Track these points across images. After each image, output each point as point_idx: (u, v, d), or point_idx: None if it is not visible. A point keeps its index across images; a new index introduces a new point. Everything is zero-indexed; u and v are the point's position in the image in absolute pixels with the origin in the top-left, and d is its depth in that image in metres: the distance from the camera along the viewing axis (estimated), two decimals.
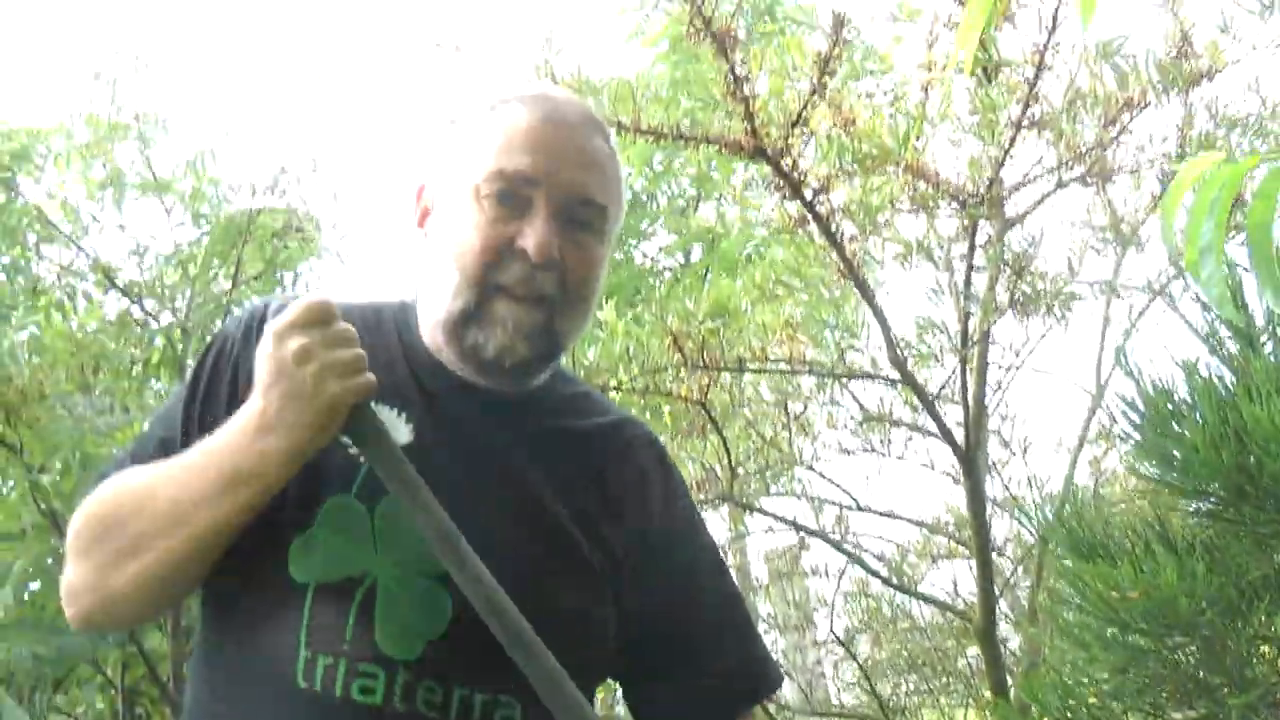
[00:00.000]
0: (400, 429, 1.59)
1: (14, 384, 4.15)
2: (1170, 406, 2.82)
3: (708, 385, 4.14)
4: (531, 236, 1.58)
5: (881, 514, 5.29)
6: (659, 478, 1.82)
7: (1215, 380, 2.83)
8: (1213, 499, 2.78)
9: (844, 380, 4.40)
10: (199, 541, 1.52)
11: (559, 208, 1.62)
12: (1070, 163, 3.73)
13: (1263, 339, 2.86)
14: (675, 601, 1.76)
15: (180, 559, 1.54)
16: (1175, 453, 2.78)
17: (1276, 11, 3.50)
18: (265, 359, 1.48)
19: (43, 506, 4.36)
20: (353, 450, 1.55)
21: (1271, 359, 2.77)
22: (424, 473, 1.47)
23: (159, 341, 4.88)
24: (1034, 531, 4.11)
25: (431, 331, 1.68)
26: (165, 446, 1.63)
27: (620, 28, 7.05)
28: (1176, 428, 2.79)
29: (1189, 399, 2.83)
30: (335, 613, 1.51)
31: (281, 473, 1.49)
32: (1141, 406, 2.90)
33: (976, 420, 4.03)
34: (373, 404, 1.51)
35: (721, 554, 1.92)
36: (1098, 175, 3.86)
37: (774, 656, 1.91)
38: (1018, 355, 4.45)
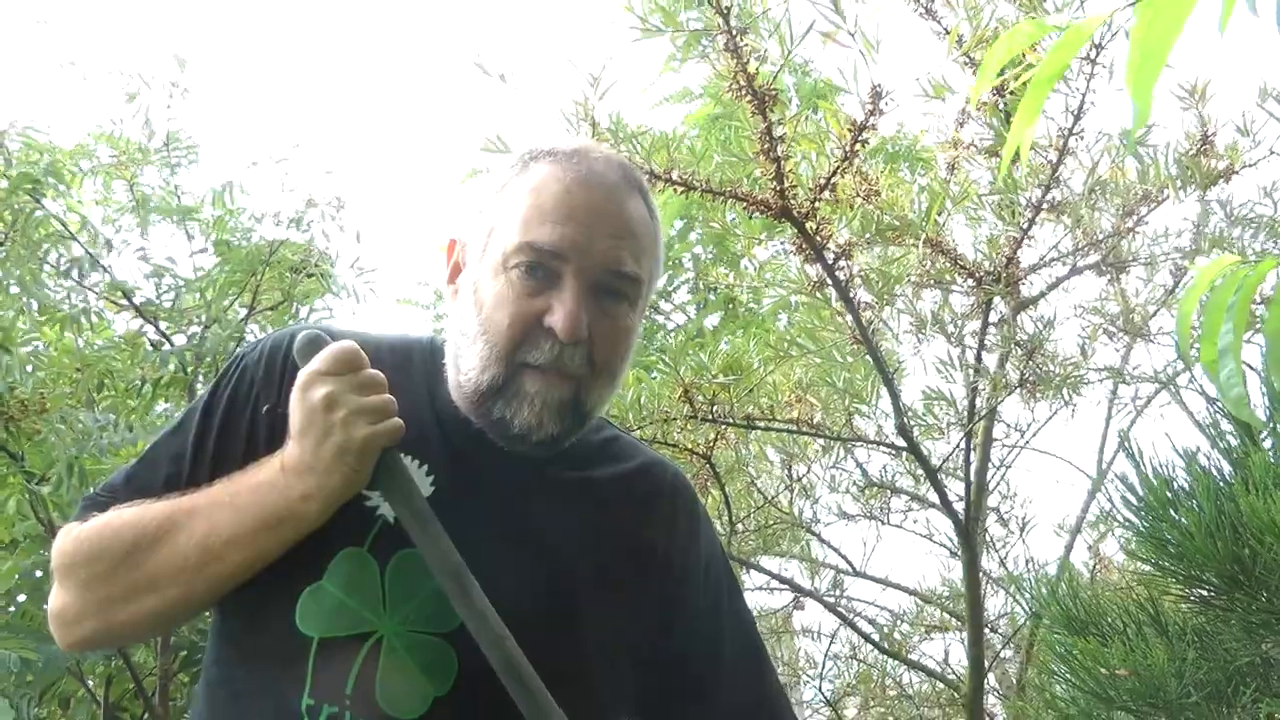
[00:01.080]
0: (421, 481, 1.57)
1: (16, 394, 4.17)
2: (1169, 494, 2.87)
3: (714, 440, 4.20)
4: (559, 313, 1.53)
5: (877, 580, 5.35)
6: (684, 522, 1.80)
7: (1214, 471, 2.89)
8: (1206, 586, 2.83)
9: (849, 445, 4.45)
10: (226, 580, 1.51)
11: (589, 282, 1.56)
12: (1086, 249, 3.79)
13: (1263, 434, 2.92)
14: (695, 642, 1.75)
15: (202, 596, 1.54)
16: (1171, 539, 2.83)
17: None
18: (295, 405, 1.49)
19: (40, 517, 4.37)
20: (370, 504, 1.55)
21: (1270, 455, 2.83)
22: (441, 525, 1.48)
23: (170, 365, 4.88)
24: (1027, 608, 4.14)
25: (457, 388, 1.63)
26: (171, 481, 1.60)
27: (657, 81, 7.12)
28: (1174, 515, 2.84)
29: (1187, 487, 2.89)
30: (338, 669, 1.49)
31: (321, 513, 1.48)
32: (1141, 492, 2.96)
33: (978, 494, 4.08)
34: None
35: (743, 595, 1.90)
36: (1112, 264, 3.92)
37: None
38: (1022, 435, 4.53)
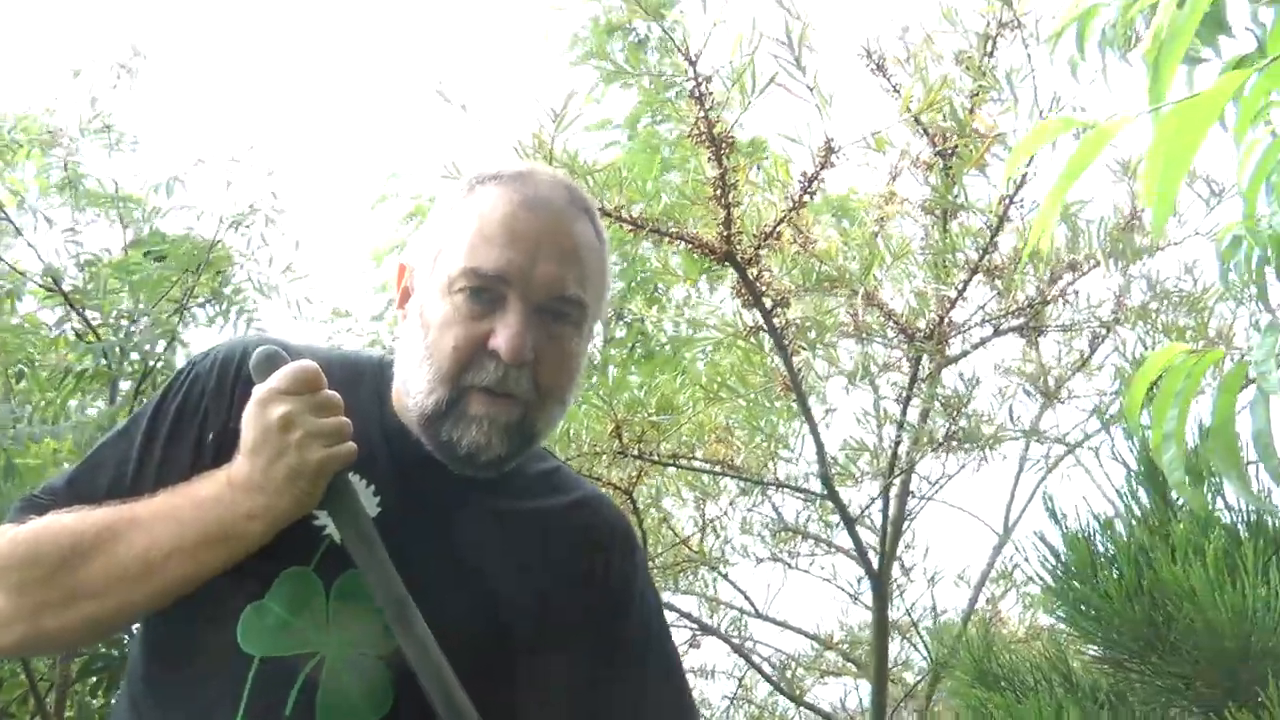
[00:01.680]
0: (368, 500, 1.56)
1: None
2: (1090, 557, 2.96)
3: (637, 476, 4.22)
4: (503, 336, 1.54)
5: (777, 623, 5.40)
6: (621, 553, 1.80)
7: (1130, 537, 2.98)
8: (1120, 649, 2.91)
9: (767, 489, 4.50)
10: (164, 595, 1.48)
11: (534, 305, 1.57)
12: (1013, 312, 3.89)
13: (1179, 500, 3.02)
14: (628, 670, 1.75)
15: (138, 608, 1.51)
16: (1086, 600, 2.92)
17: (1223, 202, 3.73)
18: (249, 421, 1.47)
19: None
20: (317, 523, 1.54)
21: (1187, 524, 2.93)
22: (385, 547, 1.48)
23: (89, 360, 4.74)
24: (928, 655, 4.22)
25: (405, 410, 1.63)
26: (114, 487, 1.57)
27: (582, 111, 7.17)
28: (1093, 577, 2.92)
29: (1105, 552, 2.98)
30: (277, 689, 1.47)
31: (266, 533, 1.47)
32: (1061, 552, 3.04)
33: (892, 544, 4.16)
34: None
35: (670, 633, 1.91)
36: (1034, 328, 4.03)
37: None
38: (933, 486, 4.61)
